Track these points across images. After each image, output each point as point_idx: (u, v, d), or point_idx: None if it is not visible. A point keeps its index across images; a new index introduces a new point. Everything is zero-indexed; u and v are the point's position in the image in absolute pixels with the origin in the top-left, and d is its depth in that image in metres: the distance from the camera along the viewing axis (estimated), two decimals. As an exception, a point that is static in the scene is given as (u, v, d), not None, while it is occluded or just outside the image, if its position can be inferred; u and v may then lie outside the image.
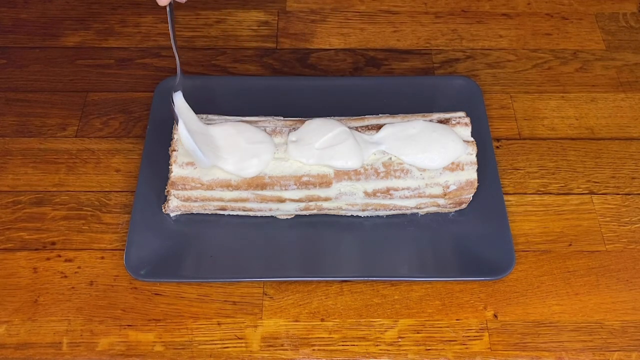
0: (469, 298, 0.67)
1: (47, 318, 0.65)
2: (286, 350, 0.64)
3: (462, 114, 0.73)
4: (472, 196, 0.71)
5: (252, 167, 0.67)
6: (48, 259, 0.69)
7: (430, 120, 0.71)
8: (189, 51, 0.87)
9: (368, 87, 0.81)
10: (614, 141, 0.79)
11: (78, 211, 0.72)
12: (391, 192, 0.69)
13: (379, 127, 0.70)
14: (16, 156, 0.76)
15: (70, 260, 0.69)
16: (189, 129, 0.66)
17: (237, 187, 0.68)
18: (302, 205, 0.70)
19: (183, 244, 0.70)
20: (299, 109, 0.75)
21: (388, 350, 0.64)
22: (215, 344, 0.64)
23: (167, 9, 0.65)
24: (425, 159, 0.68)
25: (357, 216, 0.72)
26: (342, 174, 0.68)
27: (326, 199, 0.69)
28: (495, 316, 0.66)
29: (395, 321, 0.66)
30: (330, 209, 0.71)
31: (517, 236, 0.71)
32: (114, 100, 0.82)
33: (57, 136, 0.78)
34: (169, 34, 0.67)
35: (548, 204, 0.74)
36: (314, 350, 0.64)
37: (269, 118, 0.73)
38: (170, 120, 0.74)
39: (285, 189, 0.68)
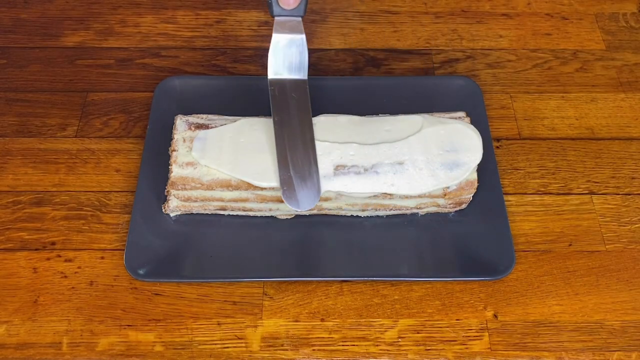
0: (469, 298, 0.67)
1: (47, 318, 0.65)
2: (286, 350, 0.64)
3: (462, 114, 0.73)
4: (472, 196, 0.71)
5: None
6: (48, 259, 0.69)
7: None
8: (189, 51, 0.87)
9: (368, 87, 0.81)
10: (614, 141, 0.79)
11: (78, 211, 0.72)
12: (391, 192, 0.69)
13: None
14: (16, 156, 0.76)
15: (70, 260, 0.69)
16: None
17: (237, 187, 0.68)
18: (302, 205, 0.70)
19: (183, 244, 0.70)
20: (299, 109, 0.75)
21: (388, 350, 0.64)
22: (215, 344, 0.64)
23: None
24: None
25: (357, 216, 0.72)
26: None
27: (326, 199, 0.69)
28: (495, 316, 0.66)
29: (395, 321, 0.66)
30: (330, 209, 0.71)
31: (517, 236, 0.71)
32: (114, 100, 0.82)
33: (57, 136, 0.78)
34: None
35: (548, 204, 0.74)
36: (314, 350, 0.64)
37: (269, 118, 0.73)
38: (170, 120, 0.74)
39: (285, 189, 0.68)
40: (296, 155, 0.66)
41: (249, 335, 0.65)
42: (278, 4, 0.68)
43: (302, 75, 0.68)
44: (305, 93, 0.68)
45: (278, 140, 0.67)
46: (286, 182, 0.66)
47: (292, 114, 0.67)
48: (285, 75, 0.68)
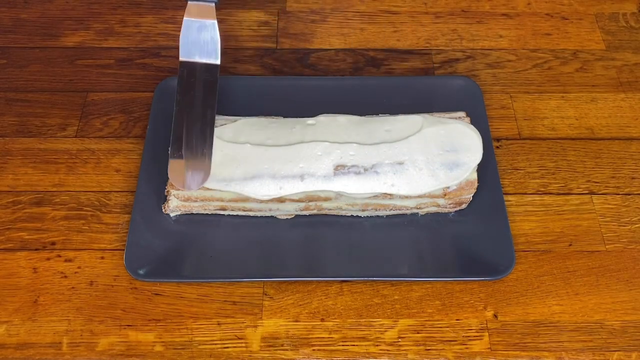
0: (469, 298, 0.67)
1: (47, 318, 0.65)
2: (286, 350, 0.64)
3: (462, 113, 0.73)
4: (472, 196, 0.71)
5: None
6: (48, 259, 0.69)
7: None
8: (189, 51, 0.87)
9: (368, 87, 0.81)
10: (614, 141, 0.79)
11: (78, 211, 0.72)
12: (391, 192, 0.69)
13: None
14: (16, 156, 0.76)
15: (70, 260, 0.69)
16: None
17: (237, 187, 0.68)
18: (302, 205, 0.70)
19: (183, 244, 0.70)
20: (299, 109, 0.75)
21: (388, 350, 0.64)
22: (215, 344, 0.64)
23: None
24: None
25: (357, 216, 0.72)
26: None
27: (326, 199, 0.69)
28: (495, 316, 0.66)
29: (395, 321, 0.66)
30: (330, 209, 0.71)
31: (517, 236, 0.71)
32: (114, 100, 0.82)
33: (57, 136, 0.78)
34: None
35: (548, 204, 0.74)
36: (314, 350, 0.64)
37: (269, 118, 0.73)
38: (170, 120, 0.74)
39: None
40: (192, 136, 0.66)
41: (249, 335, 0.65)
42: None
43: (214, 59, 0.69)
44: (214, 77, 0.68)
45: (177, 119, 0.67)
46: (175, 162, 0.65)
47: (197, 96, 0.68)
48: (197, 58, 0.69)
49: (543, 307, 0.67)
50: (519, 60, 0.87)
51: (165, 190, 0.70)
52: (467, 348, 0.64)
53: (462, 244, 0.70)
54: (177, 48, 0.87)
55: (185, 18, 0.69)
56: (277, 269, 0.68)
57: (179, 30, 0.89)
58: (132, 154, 0.77)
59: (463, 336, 0.65)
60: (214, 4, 0.69)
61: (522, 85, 0.84)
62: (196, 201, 0.70)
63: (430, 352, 0.64)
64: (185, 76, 0.68)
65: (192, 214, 0.71)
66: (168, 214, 0.71)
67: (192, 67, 0.68)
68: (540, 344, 0.65)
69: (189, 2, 0.69)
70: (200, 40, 0.68)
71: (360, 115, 0.73)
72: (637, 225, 0.73)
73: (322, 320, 0.66)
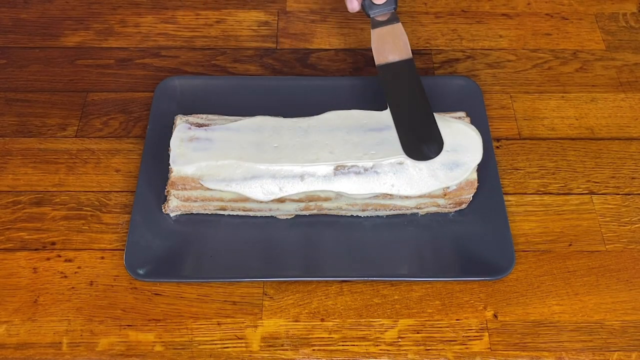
0: (469, 298, 0.67)
1: (47, 318, 0.65)
2: (286, 350, 0.64)
3: (462, 113, 0.73)
4: (472, 196, 0.71)
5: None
6: (48, 259, 0.69)
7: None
8: (189, 51, 0.87)
9: (368, 87, 0.81)
10: (614, 141, 0.79)
11: (78, 211, 0.72)
12: (391, 192, 0.69)
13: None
14: (16, 156, 0.76)
15: (70, 260, 0.69)
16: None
17: (237, 187, 0.68)
18: (302, 205, 0.70)
19: (183, 244, 0.70)
20: (299, 109, 0.75)
21: (388, 350, 0.64)
22: (215, 344, 0.64)
23: None
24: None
25: (357, 216, 0.72)
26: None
27: (326, 199, 0.69)
28: (495, 316, 0.66)
29: (395, 321, 0.66)
30: (330, 209, 0.71)
31: (517, 236, 0.71)
32: (114, 100, 0.82)
33: (57, 136, 0.78)
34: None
35: (548, 204, 0.74)
36: (314, 350, 0.64)
37: (267, 117, 0.73)
38: (170, 120, 0.74)
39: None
40: (416, 116, 0.71)
41: (249, 335, 0.65)
42: (372, 2, 0.76)
43: (407, 55, 0.75)
44: (412, 69, 0.74)
45: (395, 113, 0.71)
46: (407, 140, 0.69)
47: (404, 88, 0.74)
48: (391, 59, 0.75)
49: (543, 307, 0.67)
50: (519, 60, 0.87)
51: (165, 190, 0.70)
52: (467, 348, 0.64)
53: (462, 244, 0.70)
54: (177, 48, 0.87)
55: (372, 30, 0.76)
56: (277, 269, 0.68)
57: (179, 30, 0.90)
58: (132, 154, 0.77)
59: (463, 336, 0.65)
60: (393, 9, 0.76)
61: (522, 85, 0.84)
62: (196, 201, 0.70)
63: (430, 352, 0.64)
64: (388, 77, 0.74)
65: (192, 214, 0.71)
66: (168, 214, 0.71)
67: (391, 68, 0.74)
68: (540, 344, 0.65)
69: (371, 16, 0.76)
70: (391, 42, 0.75)
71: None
72: (637, 225, 0.73)
73: (322, 320, 0.66)
